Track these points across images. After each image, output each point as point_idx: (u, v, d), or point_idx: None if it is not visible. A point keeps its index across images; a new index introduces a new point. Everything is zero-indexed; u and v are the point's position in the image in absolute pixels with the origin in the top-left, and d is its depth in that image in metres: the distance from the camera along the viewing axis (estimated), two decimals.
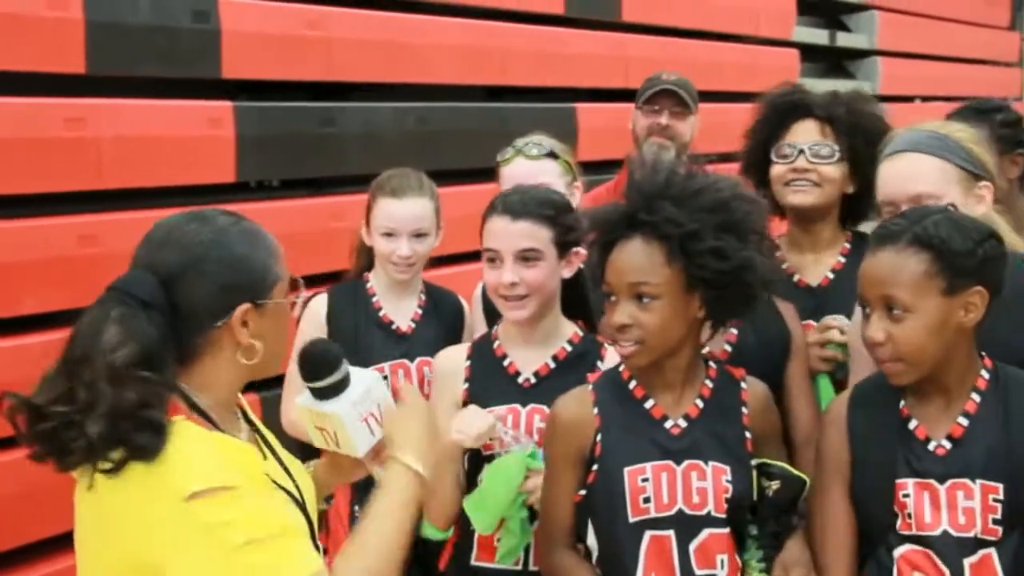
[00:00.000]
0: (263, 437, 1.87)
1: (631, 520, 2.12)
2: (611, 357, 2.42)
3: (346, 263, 3.17)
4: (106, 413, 1.58)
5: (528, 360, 2.46)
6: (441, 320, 3.04)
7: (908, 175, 2.37)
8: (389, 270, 2.99)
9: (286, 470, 1.83)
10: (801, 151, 2.68)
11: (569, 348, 2.48)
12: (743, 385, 2.27)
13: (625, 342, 2.14)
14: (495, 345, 2.50)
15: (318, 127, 4.39)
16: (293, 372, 2.70)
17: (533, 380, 2.45)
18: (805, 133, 2.70)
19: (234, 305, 1.71)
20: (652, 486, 2.13)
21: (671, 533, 2.12)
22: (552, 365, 2.45)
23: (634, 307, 2.12)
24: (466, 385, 2.46)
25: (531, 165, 2.98)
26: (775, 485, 2.16)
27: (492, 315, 2.73)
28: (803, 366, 2.57)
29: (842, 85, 2.96)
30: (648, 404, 2.21)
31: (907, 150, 2.39)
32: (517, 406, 2.42)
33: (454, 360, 2.51)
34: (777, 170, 2.71)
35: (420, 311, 3.04)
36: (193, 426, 1.67)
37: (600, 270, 2.20)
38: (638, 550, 2.12)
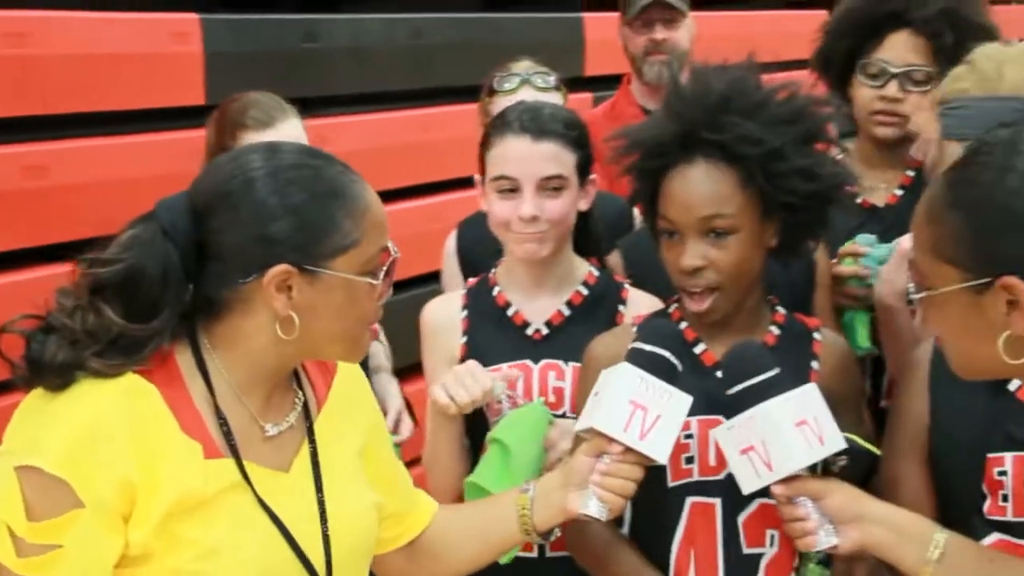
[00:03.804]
0: (312, 441, 1.53)
1: (671, 484, 1.82)
2: (634, 300, 2.10)
3: None
4: (59, 332, 1.38)
5: (537, 308, 2.11)
6: None
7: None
8: None
9: (320, 494, 1.51)
10: (894, 76, 2.33)
11: (585, 291, 2.11)
12: (816, 336, 1.94)
13: (695, 288, 1.83)
14: (495, 292, 2.13)
15: (300, 42, 4.01)
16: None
17: (545, 331, 2.09)
18: (900, 50, 2.34)
19: (270, 262, 1.42)
20: (697, 444, 1.83)
21: (717, 501, 1.82)
22: (567, 312, 2.10)
23: (706, 245, 1.81)
24: (464, 340, 2.11)
25: (539, 98, 2.55)
26: (842, 461, 1.79)
27: (471, 269, 2.39)
28: (825, 299, 2.21)
29: None
30: (698, 349, 1.89)
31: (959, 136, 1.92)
32: (527, 362, 2.07)
33: (446, 312, 2.14)
34: (864, 94, 2.37)
35: None
36: (105, 393, 1.38)
37: (649, 203, 1.88)
38: (678, 519, 1.83)
